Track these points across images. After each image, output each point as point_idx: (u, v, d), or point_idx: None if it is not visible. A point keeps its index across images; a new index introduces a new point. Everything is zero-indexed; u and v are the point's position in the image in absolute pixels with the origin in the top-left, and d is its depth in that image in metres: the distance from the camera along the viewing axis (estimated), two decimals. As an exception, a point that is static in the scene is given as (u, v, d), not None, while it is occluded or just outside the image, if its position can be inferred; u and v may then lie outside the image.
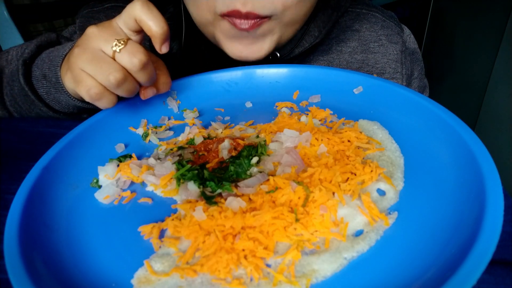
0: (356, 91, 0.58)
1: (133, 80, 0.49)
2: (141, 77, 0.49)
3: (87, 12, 0.77)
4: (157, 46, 0.51)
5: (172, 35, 0.71)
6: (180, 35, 0.72)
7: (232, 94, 0.63)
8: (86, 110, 0.62)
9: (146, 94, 0.53)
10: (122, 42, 0.47)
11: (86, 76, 0.48)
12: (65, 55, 0.57)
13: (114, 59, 0.48)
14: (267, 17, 0.58)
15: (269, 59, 0.71)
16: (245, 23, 0.58)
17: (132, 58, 0.47)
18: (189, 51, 0.73)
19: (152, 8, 0.49)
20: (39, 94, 0.61)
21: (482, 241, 0.30)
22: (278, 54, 0.71)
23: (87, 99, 0.49)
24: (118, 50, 0.47)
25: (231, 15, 0.58)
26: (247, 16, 0.57)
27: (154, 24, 0.49)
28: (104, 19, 0.75)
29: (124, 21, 0.50)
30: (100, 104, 0.50)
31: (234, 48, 0.63)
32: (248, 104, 0.61)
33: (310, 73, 0.62)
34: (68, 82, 0.53)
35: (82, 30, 0.51)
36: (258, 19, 0.58)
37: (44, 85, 0.59)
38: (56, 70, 0.57)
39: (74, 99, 0.57)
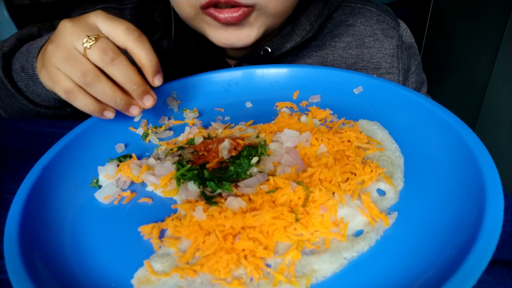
0: (356, 91, 0.58)
1: (107, 81, 0.48)
2: (115, 74, 0.48)
3: (78, 14, 0.77)
4: (149, 78, 0.51)
5: (163, 32, 0.71)
6: (170, 33, 0.72)
7: (232, 94, 0.63)
8: (68, 103, 0.62)
9: (133, 110, 0.52)
10: (92, 39, 0.47)
11: (63, 76, 0.48)
12: (42, 46, 0.56)
13: (86, 56, 0.47)
14: (250, 7, 0.58)
15: (260, 55, 0.71)
16: (226, 16, 0.58)
17: (102, 54, 0.46)
18: (180, 49, 0.73)
19: (135, 34, 0.48)
20: (19, 87, 0.60)
21: (482, 241, 0.30)
22: (270, 49, 0.71)
23: (64, 98, 0.49)
24: (88, 47, 0.46)
25: (211, 3, 0.57)
26: (227, 1, 0.56)
27: (144, 57, 0.48)
28: None
29: (106, 29, 0.48)
30: (77, 104, 0.49)
31: (220, 35, 0.63)
32: (248, 104, 0.61)
33: (310, 73, 0.62)
34: (44, 79, 0.52)
35: None
36: (239, 11, 0.57)
37: (23, 78, 0.59)
38: (32, 61, 0.56)
39: (51, 92, 0.57)
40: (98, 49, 0.46)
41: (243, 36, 0.62)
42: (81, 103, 0.49)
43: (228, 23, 0.59)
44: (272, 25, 0.65)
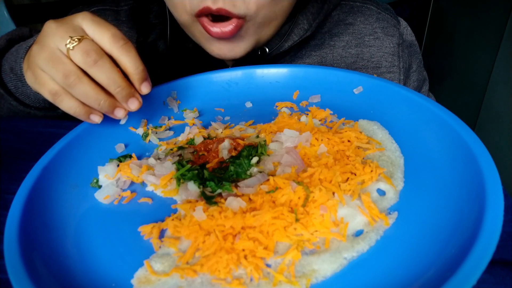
0: (356, 91, 0.58)
1: (89, 82, 0.47)
2: (98, 76, 0.47)
3: None
4: (136, 86, 0.50)
5: (159, 33, 0.71)
6: (166, 34, 0.71)
7: (232, 94, 0.63)
8: None
9: (117, 113, 0.51)
10: (76, 40, 0.46)
11: (48, 78, 0.48)
12: (30, 46, 0.56)
13: (69, 57, 0.46)
14: (241, 18, 0.58)
15: (258, 55, 0.70)
16: (219, 32, 0.58)
17: (84, 56, 0.46)
18: (176, 50, 0.73)
19: (121, 42, 0.47)
20: (8, 88, 0.60)
21: (482, 241, 0.30)
22: (267, 50, 0.70)
23: (50, 100, 0.49)
24: (71, 48, 0.46)
25: (203, 12, 0.57)
26: (218, 11, 0.56)
27: (130, 65, 0.48)
28: None
29: (92, 33, 0.47)
30: (63, 107, 0.49)
31: (214, 47, 0.64)
32: (248, 104, 0.61)
33: (310, 73, 0.62)
34: (30, 81, 0.51)
35: None
36: (231, 25, 0.58)
37: (12, 79, 0.59)
38: (20, 62, 0.56)
39: (39, 93, 0.56)
40: (81, 50, 0.46)
41: (233, 47, 0.63)
42: (67, 105, 0.48)
43: (220, 38, 0.60)
44: (264, 35, 0.65)
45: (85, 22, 0.48)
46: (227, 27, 0.58)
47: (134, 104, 0.51)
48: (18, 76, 0.57)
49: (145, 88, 0.51)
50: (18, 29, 0.67)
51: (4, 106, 0.63)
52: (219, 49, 0.64)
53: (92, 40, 0.47)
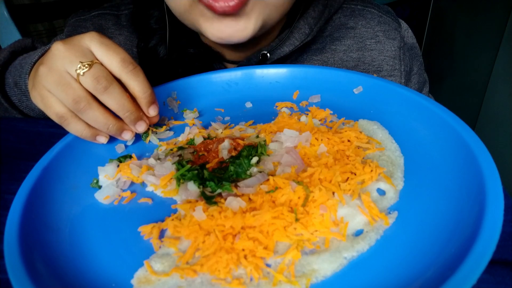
0: (356, 91, 0.58)
1: (99, 107, 0.48)
2: (108, 102, 0.47)
3: (74, 21, 0.76)
4: (144, 109, 0.51)
5: (159, 39, 0.71)
6: (166, 39, 0.71)
7: (232, 94, 0.63)
8: None
9: (125, 135, 0.52)
10: (86, 66, 0.46)
11: (55, 101, 0.47)
12: (35, 62, 0.55)
13: (79, 82, 0.46)
14: None
15: (259, 59, 0.70)
16: (224, 6, 0.55)
17: (95, 83, 0.46)
18: (177, 55, 0.72)
19: (130, 67, 0.47)
20: (13, 101, 0.60)
21: (482, 241, 0.30)
22: (268, 54, 0.69)
23: (56, 122, 0.49)
24: (81, 74, 0.45)
25: None
26: None
27: (138, 89, 0.48)
28: (91, 28, 0.74)
29: (101, 57, 0.47)
30: (69, 129, 0.49)
31: (214, 28, 0.59)
32: (248, 104, 0.61)
33: (309, 73, 0.62)
34: (36, 101, 0.51)
35: None
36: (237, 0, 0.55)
37: (16, 93, 0.58)
38: (25, 77, 0.55)
39: None
40: (91, 76, 0.46)
41: (240, 28, 0.59)
42: (74, 129, 0.49)
43: (224, 13, 0.56)
44: (271, 17, 0.61)
45: (94, 44, 0.47)
46: (231, 2, 0.55)
47: (141, 127, 0.51)
48: (23, 91, 0.57)
49: (153, 111, 0.51)
50: (21, 40, 0.67)
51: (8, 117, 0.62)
52: (221, 31, 0.59)
53: (101, 64, 0.47)
